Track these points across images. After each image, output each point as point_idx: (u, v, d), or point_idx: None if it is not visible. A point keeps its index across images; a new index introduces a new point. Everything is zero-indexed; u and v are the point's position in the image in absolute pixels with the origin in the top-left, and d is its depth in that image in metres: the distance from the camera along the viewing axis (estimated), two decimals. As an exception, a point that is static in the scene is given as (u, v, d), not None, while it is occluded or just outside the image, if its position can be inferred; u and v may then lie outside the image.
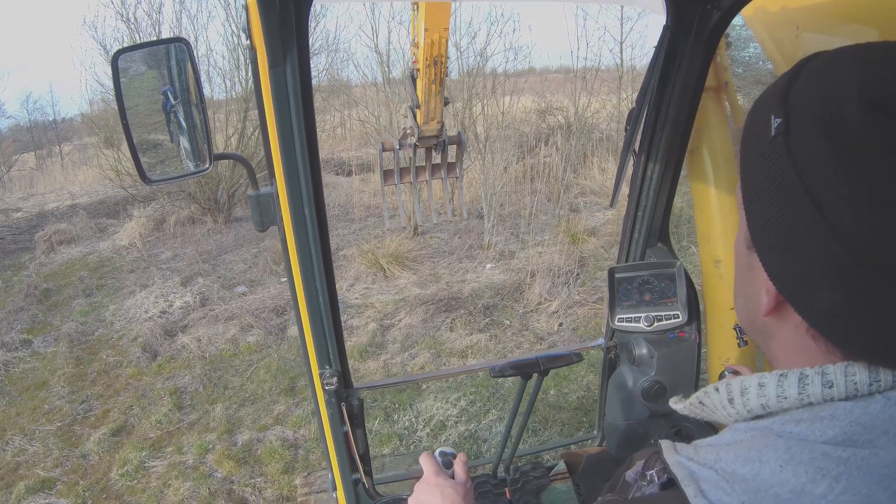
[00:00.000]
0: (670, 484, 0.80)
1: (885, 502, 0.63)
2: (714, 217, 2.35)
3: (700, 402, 0.85)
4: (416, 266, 8.36)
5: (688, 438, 0.93)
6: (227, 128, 11.10)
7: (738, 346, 2.35)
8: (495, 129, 10.38)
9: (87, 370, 6.28)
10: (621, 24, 12.25)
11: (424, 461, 1.36)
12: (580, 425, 4.80)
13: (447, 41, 3.43)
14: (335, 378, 2.10)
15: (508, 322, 6.72)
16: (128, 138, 1.58)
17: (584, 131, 11.93)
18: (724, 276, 2.36)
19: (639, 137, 2.27)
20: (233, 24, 11.24)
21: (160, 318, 7.15)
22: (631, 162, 2.32)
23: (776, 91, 0.72)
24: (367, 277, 8.01)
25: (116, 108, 1.59)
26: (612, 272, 2.51)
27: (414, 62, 4.03)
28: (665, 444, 0.85)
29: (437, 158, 3.96)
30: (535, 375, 2.40)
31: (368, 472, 2.41)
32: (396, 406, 5.14)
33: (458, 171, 3.61)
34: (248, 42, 1.58)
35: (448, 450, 1.43)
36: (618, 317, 2.51)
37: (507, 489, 2.77)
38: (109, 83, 11.85)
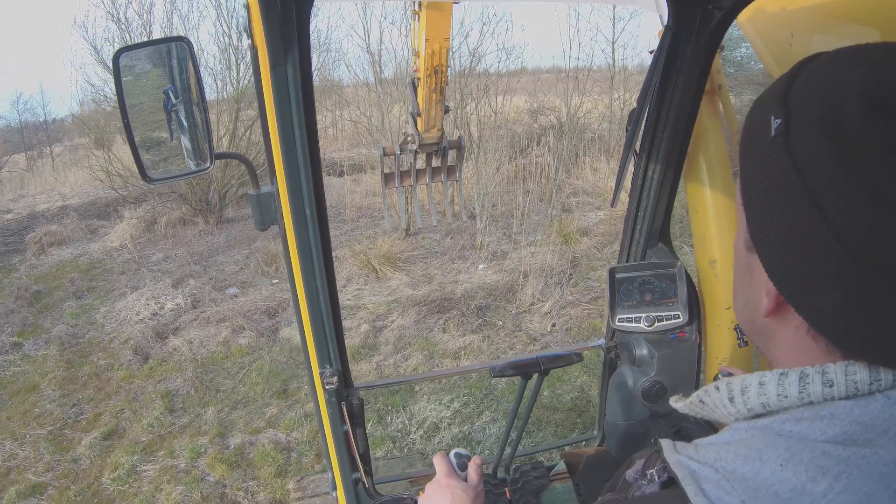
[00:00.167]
0: (671, 483, 0.80)
1: (886, 501, 0.62)
2: (709, 218, 2.35)
3: (700, 401, 0.85)
4: (409, 267, 8.36)
5: (688, 438, 0.93)
6: (218, 128, 11.07)
7: (739, 346, 2.35)
8: (488, 129, 10.38)
9: (78, 373, 6.25)
10: (613, 24, 12.35)
11: (438, 461, 1.36)
12: (574, 426, 4.80)
13: (447, 51, 3.44)
14: (335, 377, 2.10)
15: (501, 323, 6.72)
16: (129, 137, 1.59)
17: (576, 131, 11.95)
18: (719, 276, 2.36)
19: (640, 138, 2.27)
20: (224, 24, 11.22)
21: (151, 321, 7.13)
22: (632, 162, 2.32)
23: (775, 92, 0.72)
24: (360, 278, 8.00)
25: (117, 107, 1.59)
26: (612, 272, 2.51)
27: (415, 71, 4.04)
28: (665, 444, 0.85)
29: (436, 162, 3.98)
30: (535, 375, 2.41)
31: (368, 472, 2.41)
32: (389, 408, 5.14)
33: (458, 175, 3.62)
34: (250, 41, 1.58)
35: (463, 451, 1.42)
36: (618, 317, 2.51)
37: (507, 489, 2.77)
38: (100, 83, 11.85)
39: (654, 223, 2.51)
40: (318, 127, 1.75)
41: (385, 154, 3.88)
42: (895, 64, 0.65)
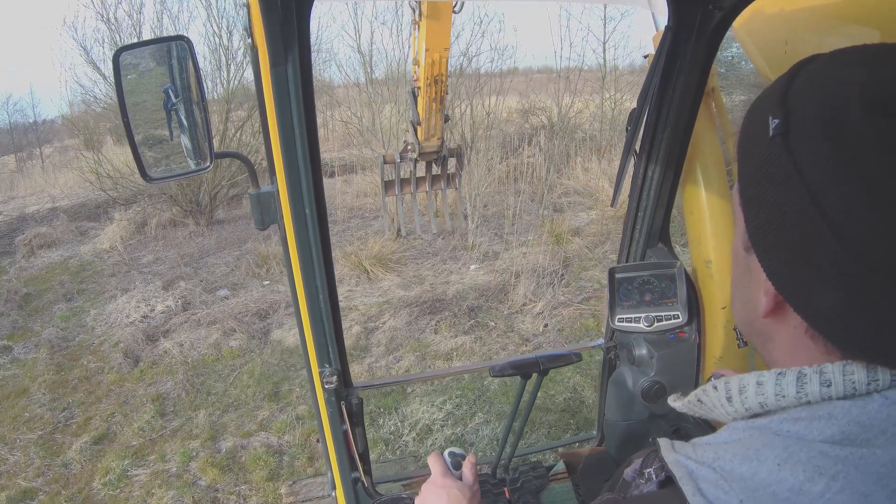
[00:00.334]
0: (668, 482, 0.80)
1: (883, 501, 0.62)
2: (704, 219, 2.36)
3: (699, 400, 0.85)
4: (400, 268, 8.34)
5: (686, 438, 0.94)
6: (208, 129, 11.02)
7: (739, 346, 2.36)
8: (480, 129, 10.39)
9: (68, 377, 6.22)
10: (604, 24, 12.38)
11: (433, 461, 1.36)
12: (567, 427, 4.80)
13: (447, 61, 3.46)
14: (335, 377, 2.10)
15: (493, 323, 6.72)
16: (129, 136, 1.59)
17: (568, 131, 11.97)
18: (714, 276, 2.37)
19: (639, 138, 2.27)
20: (214, 25, 11.20)
21: (142, 323, 7.09)
22: (632, 162, 2.32)
23: (774, 92, 0.72)
24: (351, 279, 7.99)
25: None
26: (612, 272, 2.51)
27: (415, 80, 4.06)
28: (663, 443, 0.85)
29: (436, 170, 4.01)
30: (534, 375, 2.41)
31: (368, 471, 2.41)
32: (381, 410, 5.13)
33: (458, 182, 3.66)
34: (250, 41, 1.58)
35: (458, 450, 1.42)
36: (618, 317, 2.51)
37: (506, 489, 2.77)
38: (89, 84, 11.80)
39: (653, 223, 2.51)
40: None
41: (385, 162, 3.91)
42: (895, 64, 0.65)
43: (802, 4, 1.78)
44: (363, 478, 2.38)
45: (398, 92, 10.55)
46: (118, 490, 4.52)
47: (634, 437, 2.62)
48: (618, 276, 2.51)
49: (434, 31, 3.58)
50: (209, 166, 1.71)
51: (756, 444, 0.71)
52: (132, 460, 4.83)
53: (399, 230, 8.85)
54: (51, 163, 19.96)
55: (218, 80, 11.36)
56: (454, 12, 3.67)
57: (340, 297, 7.42)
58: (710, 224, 2.35)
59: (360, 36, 11.13)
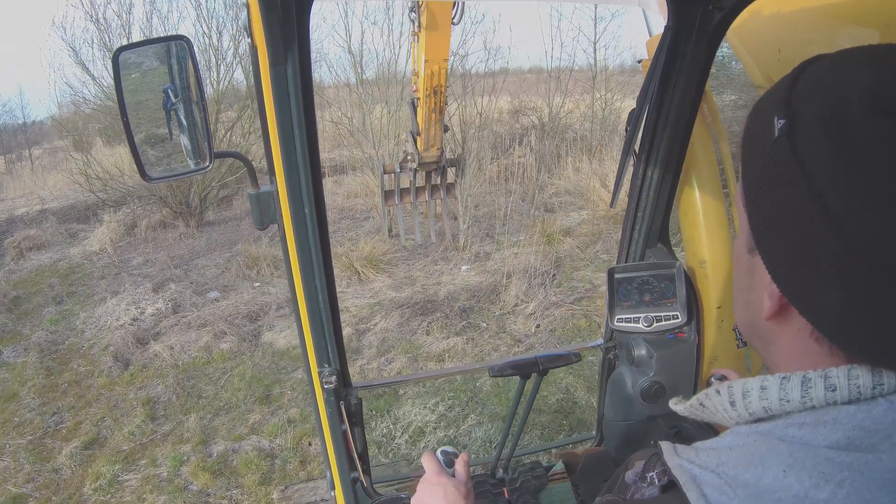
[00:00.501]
0: (671, 486, 0.80)
1: None
2: (699, 220, 2.37)
3: (701, 404, 0.85)
4: (391, 269, 8.33)
5: (687, 440, 0.94)
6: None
7: (738, 346, 2.36)
8: (472, 129, 10.38)
9: (58, 381, 6.18)
10: (595, 24, 12.36)
11: (426, 460, 1.37)
12: (560, 428, 4.81)
13: (447, 72, 3.46)
14: (334, 377, 2.10)
15: (485, 324, 6.72)
16: (128, 136, 1.59)
17: (558, 131, 11.98)
18: (709, 276, 2.38)
19: (639, 138, 2.27)
20: (204, 25, 11.16)
21: (132, 326, 7.05)
22: (631, 162, 2.32)
23: (778, 93, 0.72)
24: (342, 281, 7.97)
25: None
26: (611, 272, 2.52)
27: (414, 91, 4.07)
28: (665, 446, 0.85)
29: (436, 179, 4.03)
30: (533, 375, 2.43)
31: (367, 471, 2.43)
32: (374, 412, 5.12)
33: (457, 192, 3.68)
34: (250, 40, 1.58)
35: (450, 449, 1.44)
36: (617, 317, 2.51)
37: (505, 489, 2.78)
38: (78, 85, 11.75)
39: (653, 223, 2.51)
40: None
41: (385, 172, 3.92)
42: None
43: (796, 7, 1.78)
44: (362, 478, 2.40)
45: (389, 92, 10.55)
46: (109, 495, 4.49)
47: (634, 438, 2.62)
48: (617, 276, 2.52)
49: (433, 43, 3.60)
50: (209, 166, 1.71)
51: (760, 449, 0.71)
52: (123, 465, 4.80)
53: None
54: (40, 164, 19.86)
55: (208, 81, 11.32)
56: (453, 24, 3.68)
57: (332, 299, 7.42)
58: (704, 225, 2.36)
59: (350, 36, 11.08)
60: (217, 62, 11.19)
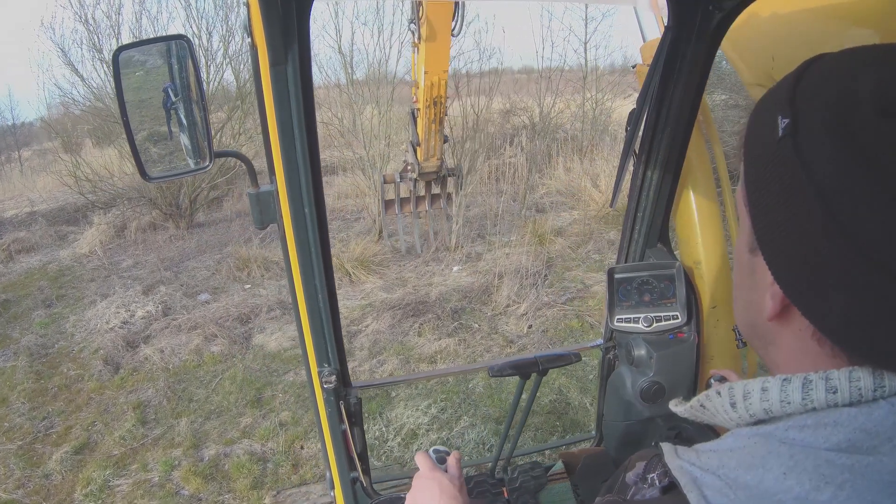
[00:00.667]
0: (671, 488, 0.80)
1: None
2: (693, 220, 2.39)
3: (701, 406, 0.85)
4: (382, 270, 8.33)
5: (687, 441, 0.94)
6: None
7: (738, 347, 2.37)
8: (464, 130, 10.37)
9: (47, 385, 6.14)
10: (585, 25, 12.36)
11: (420, 459, 1.40)
12: (554, 429, 4.81)
13: (446, 83, 3.46)
14: (333, 376, 2.10)
15: (477, 325, 6.72)
16: (128, 136, 1.59)
17: (549, 131, 11.99)
18: (704, 276, 2.40)
19: (639, 138, 2.27)
20: (194, 26, 11.11)
21: (122, 329, 7.02)
22: (631, 162, 2.32)
23: (781, 92, 0.72)
24: (334, 282, 7.93)
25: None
26: (611, 272, 2.52)
27: (414, 102, 4.08)
28: (666, 448, 0.85)
29: (436, 189, 4.03)
30: (533, 375, 2.43)
31: (366, 471, 2.42)
32: (366, 415, 5.09)
33: (456, 201, 3.70)
34: (250, 40, 1.58)
35: (442, 448, 1.48)
36: (617, 317, 2.52)
37: (504, 489, 2.78)
38: (67, 86, 11.68)
39: (652, 224, 2.51)
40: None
41: (385, 182, 3.92)
42: None
43: (790, 10, 1.78)
44: (362, 477, 2.40)
45: (379, 93, 10.52)
46: (100, 501, 4.47)
47: (633, 438, 2.63)
48: (617, 276, 2.52)
49: (433, 54, 3.60)
50: (209, 165, 1.71)
51: (761, 451, 0.70)
52: (114, 470, 4.78)
53: (380, 231, 8.84)
54: (29, 166, 19.76)
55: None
56: (452, 35, 3.69)
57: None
58: (698, 225, 2.37)
59: (340, 36, 11.02)
60: (207, 63, 11.14)
